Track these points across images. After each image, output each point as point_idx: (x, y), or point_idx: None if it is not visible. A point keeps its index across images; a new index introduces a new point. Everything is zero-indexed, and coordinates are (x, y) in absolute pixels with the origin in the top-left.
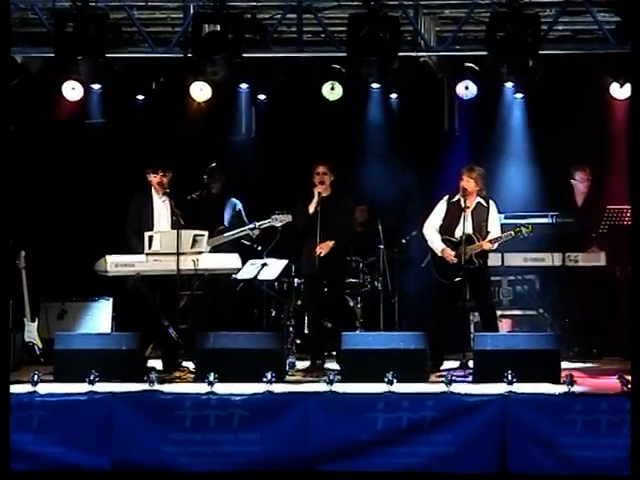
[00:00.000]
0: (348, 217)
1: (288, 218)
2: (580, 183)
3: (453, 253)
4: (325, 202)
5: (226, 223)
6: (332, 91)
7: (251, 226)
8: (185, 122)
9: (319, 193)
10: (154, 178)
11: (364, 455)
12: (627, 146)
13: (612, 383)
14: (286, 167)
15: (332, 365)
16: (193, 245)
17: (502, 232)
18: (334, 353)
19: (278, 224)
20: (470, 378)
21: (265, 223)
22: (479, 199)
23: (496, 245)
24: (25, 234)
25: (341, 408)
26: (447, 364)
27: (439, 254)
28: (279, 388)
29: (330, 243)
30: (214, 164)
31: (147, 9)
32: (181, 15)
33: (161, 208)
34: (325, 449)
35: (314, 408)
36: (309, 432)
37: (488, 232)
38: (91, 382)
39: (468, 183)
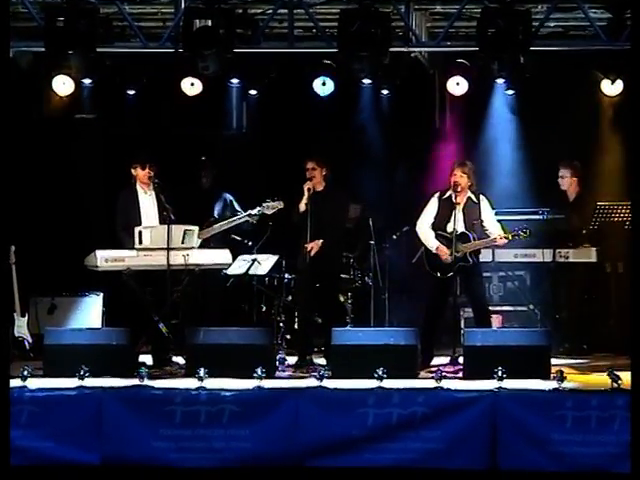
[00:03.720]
0: (341, 213)
1: (279, 205)
2: (564, 179)
3: (448, 252)
4: (318, 197)
5: (216, 215)
6: (323, 86)
7: (246, 214)
8: (176, 117)
9: (308, 189)
10: (142, 172)
11: (354, 451)
12: (624, 143)
13: (602, 379)
14: (277, 162)
15: (322, 361)
16: (183, 240)
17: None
18: (324, 349)
19: (269, 212)
20: (460, 374)
21: (256, 211)
22: (469, 194)
23: (505, 241)
24: (15, 229)
25: (331, 404)
26: (437, 360)
27: (434, 252)
28: (269, 384)
29: (319, 242)
30: (204, 158)
31: (138, 4)
32: (172, 10)
33: (147, 203)
34: (315, 445)
35: (304, 404)
36: (299, 428)
37: (485, 229)
38: (81, 377)
39: (461, 178)
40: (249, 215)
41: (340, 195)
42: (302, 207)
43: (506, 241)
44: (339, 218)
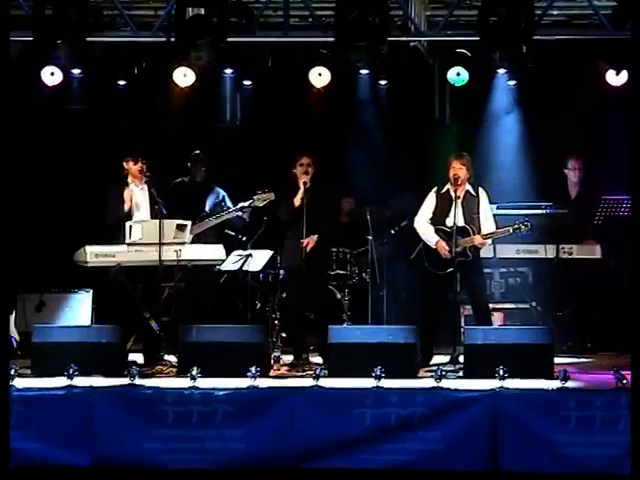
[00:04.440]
0: (333, 208)
1: (270, 196)
2: (571, 172)
3: (448, 248)
4: (309, 193)
5: (207, 210)
6: (319, 77)
7: (238, 207)
8: (168, 109)
9: (304, 183)
10: (134, 166)
11: (351, 452)
12: (625, 138)
13: (607, 378)
14: (272, 155)
15: (318, 359)
16: (175, 235)
17: (497, 227)
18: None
19: (261, 204)
20: (460, 373)
21: (247, 204)
22: (468, 187)
23: (489, 241)
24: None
25: (328, 404)
26: (437, 358)
27: (433, 247)
28: (264, 383)
29: (315, 237)
30: (197, 151)
31: None
32: None
33: (140, 197)
34: (311, 446)
35: (300, 404)
36: (294, 428)
37: (481, 225)
38: (70, 376)
39: (461, 170)
40: (241, 209)
41: (330, 191)
42: (297, 202)
43: (484, 242)
44: (331, 214)
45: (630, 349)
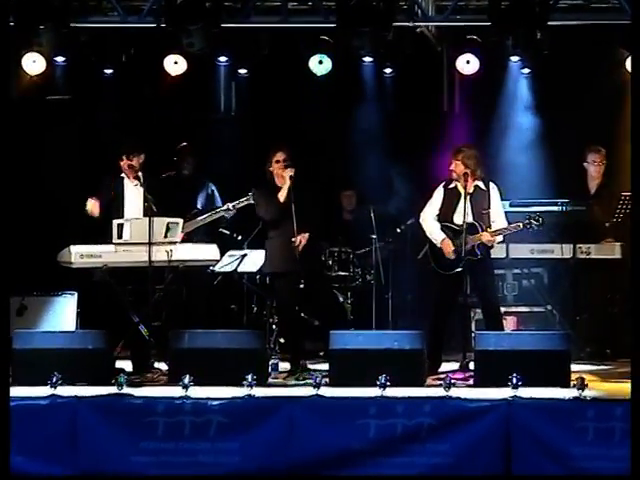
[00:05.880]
0: (319, 203)
1: None
2: (592, 166)
3: (452, 248)
4: (294, 189)
5: (199, 207)
6: (320, 65)
7: (226, 207)
8: (158, 99)
9: (291, 177)
10: (122, 162)
11: (354, 465)
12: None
13: (627, 387)
14: (268, 148)
15: (321, 366)
16: (166, 234)
17: (509, 223)
18: (321, 353)
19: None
20: (471, 381)
21: (242, 201)
22: (478, 182)
23: (500, 238)
24: None
25: (329, 414)
26: (446, 366)
27: (438, 245)
28: (261, 392)
29: (306, 235)
30: (184, 144)
31: None
32: None
33: (133, 194)
34: (311, 459)
35: (299, 414)
36: (293, 440)
37: (491, 221)
38: (53, 385)
39: (457, 166)
40: (229, 209)
41: (311, 187)
42: (282, 198)
43: (492, 239)
44: (316, 211)
45: (631, 349)
